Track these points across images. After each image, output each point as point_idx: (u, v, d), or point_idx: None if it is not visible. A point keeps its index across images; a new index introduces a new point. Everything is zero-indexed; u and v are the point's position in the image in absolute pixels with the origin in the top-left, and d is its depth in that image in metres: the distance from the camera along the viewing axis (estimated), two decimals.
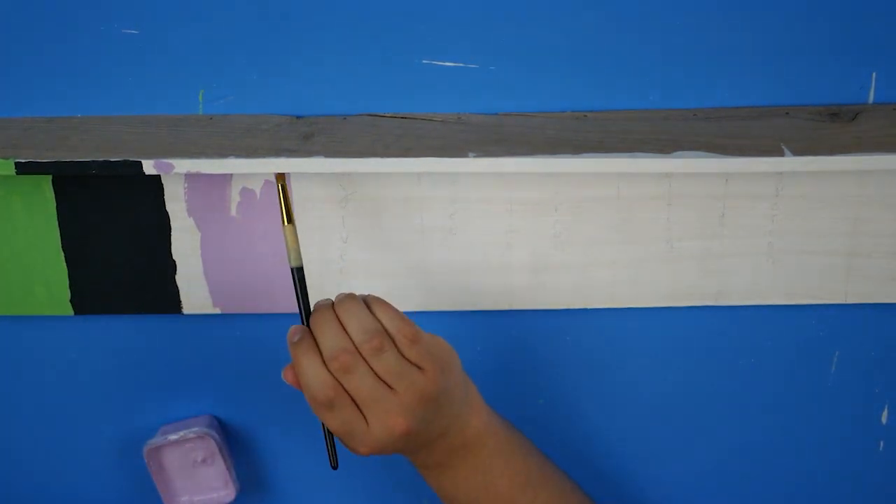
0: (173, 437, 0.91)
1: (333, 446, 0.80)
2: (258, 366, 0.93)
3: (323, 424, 0.78)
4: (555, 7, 0.82)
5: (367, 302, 0.77)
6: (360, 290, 0.88)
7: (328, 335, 0.74)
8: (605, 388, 0.94)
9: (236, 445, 0.97)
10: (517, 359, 0.93)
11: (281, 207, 0.78)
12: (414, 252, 0.87)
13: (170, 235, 0.87)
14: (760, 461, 0.97)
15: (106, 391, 0.94)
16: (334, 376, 0.74)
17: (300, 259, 0.79)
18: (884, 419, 0.95)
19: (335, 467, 0.80)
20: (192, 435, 0.91)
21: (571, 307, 0.89)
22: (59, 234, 0.86)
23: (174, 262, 0.88)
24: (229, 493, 0.94)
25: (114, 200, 0.85)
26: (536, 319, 0.91)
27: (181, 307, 0.89)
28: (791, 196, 0.85)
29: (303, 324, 0.78)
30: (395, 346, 0.75)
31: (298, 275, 0.79)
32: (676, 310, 0.90)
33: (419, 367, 0.75)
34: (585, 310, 0.90)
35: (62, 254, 0.87)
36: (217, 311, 0.89)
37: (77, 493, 0.98)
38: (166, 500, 0.93)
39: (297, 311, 0.89)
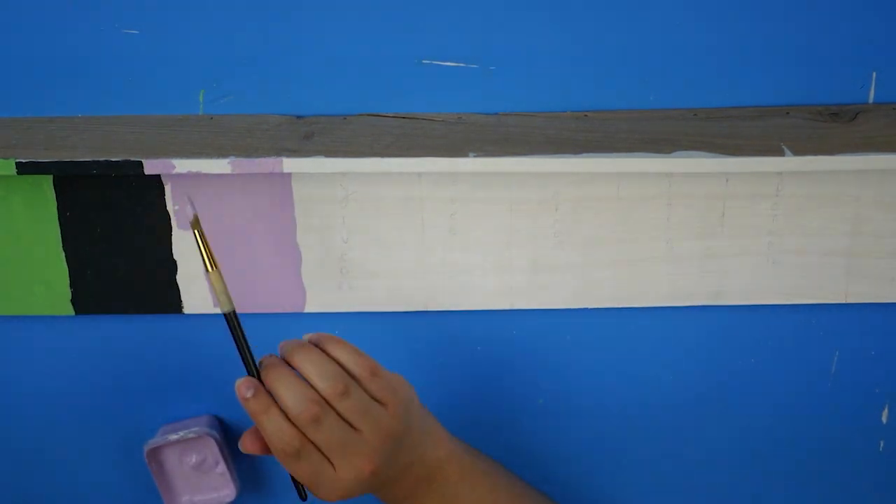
0: (173, 437, 0.91)
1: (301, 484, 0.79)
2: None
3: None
4: (555, 7, 0.82)
5: (319, 343, 0.75)
6: (360, 291, 0.88)
7: (289, 390, 0.73)
8: (605, 388, 0.94)
9: (236, 445, 0.96)
10: (517, 359, 0.93)
11: (202, 254, 0.75)
12: (414, 252, 0.87)
13: (170, 235, 0.87)
14: (760, 461, 0.97)
15: (106, 391, 0.94)
16: (299, 428, 0.73)
17: (231, 303, 0.76)
18: (884, 419, 0.95)
19: (304, 499, 0.79)
20: (192, 435, 0.91)
21: (571, 307, 0.89)
22: (59, 234, 0.86)
23: (174, 262, 0.88)
24: (229, 493, 0.94)
25: (114, 200, 0.85)
26: (536, 319, 0.91)
27: (181, 307, 0.89)
28: (791, 196, 0.85)
29: (248, 372, 0.75)
30: (358, 382, 0.74)
31: (234, 321, 0.76)
32: (676, 310, 0.90)
33: (381, 403, 0.75)
34: (585, 310, 0.90)
35: (62, 254, 0.87)
36: (217, 311, 0.89)
37: (77, 493, 0.98)
38: (166, 500, 0.93)
39: (294, 310, 0.89)
